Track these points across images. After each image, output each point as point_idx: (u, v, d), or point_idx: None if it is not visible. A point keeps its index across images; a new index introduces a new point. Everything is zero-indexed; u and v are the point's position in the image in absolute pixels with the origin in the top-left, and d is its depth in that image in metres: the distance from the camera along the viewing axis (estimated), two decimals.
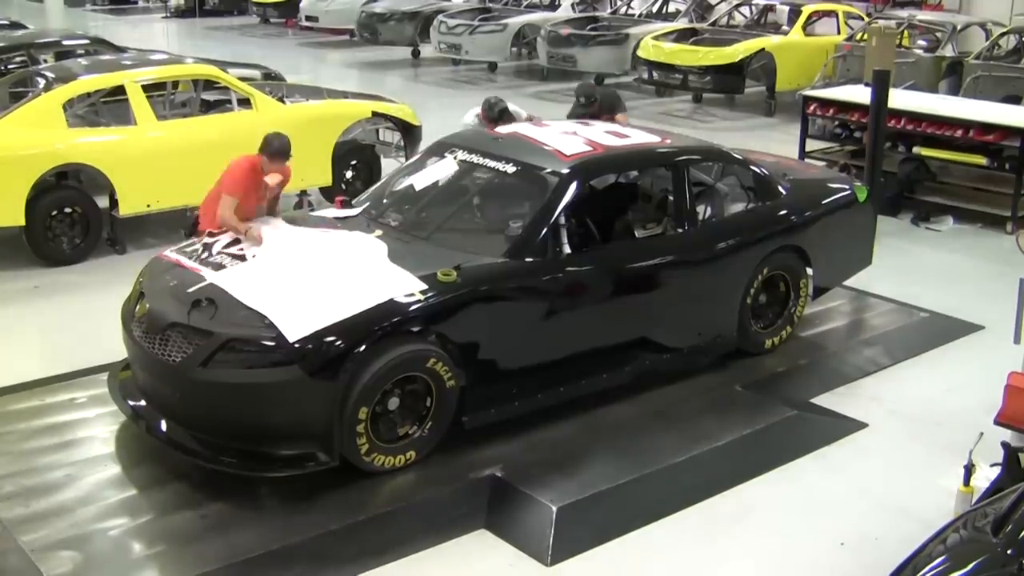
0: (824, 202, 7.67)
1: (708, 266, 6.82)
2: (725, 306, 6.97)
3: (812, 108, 11.92)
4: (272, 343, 5.43)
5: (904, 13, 17.23)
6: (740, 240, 6.97)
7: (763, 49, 16.27)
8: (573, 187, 6.36)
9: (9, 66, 11.83)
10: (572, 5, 20.89)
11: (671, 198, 6.96)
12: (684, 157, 7.07)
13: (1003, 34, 15.43)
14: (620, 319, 6.48)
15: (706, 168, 7.34)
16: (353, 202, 7.11)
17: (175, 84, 10.71)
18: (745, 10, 18.75)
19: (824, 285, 7.76)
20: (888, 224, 9.98)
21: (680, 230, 6.85)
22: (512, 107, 8.42)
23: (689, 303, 6.76)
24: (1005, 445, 5.16)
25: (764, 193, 7.32)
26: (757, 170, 7.38)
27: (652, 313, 6.65)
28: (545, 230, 6.18)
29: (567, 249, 6.19)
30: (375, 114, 10.76)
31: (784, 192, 7.42)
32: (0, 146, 8.80)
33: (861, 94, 11.97)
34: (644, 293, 6.61)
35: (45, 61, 11.68)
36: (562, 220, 6.23)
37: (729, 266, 6.93)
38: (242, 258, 6.17)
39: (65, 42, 12.57)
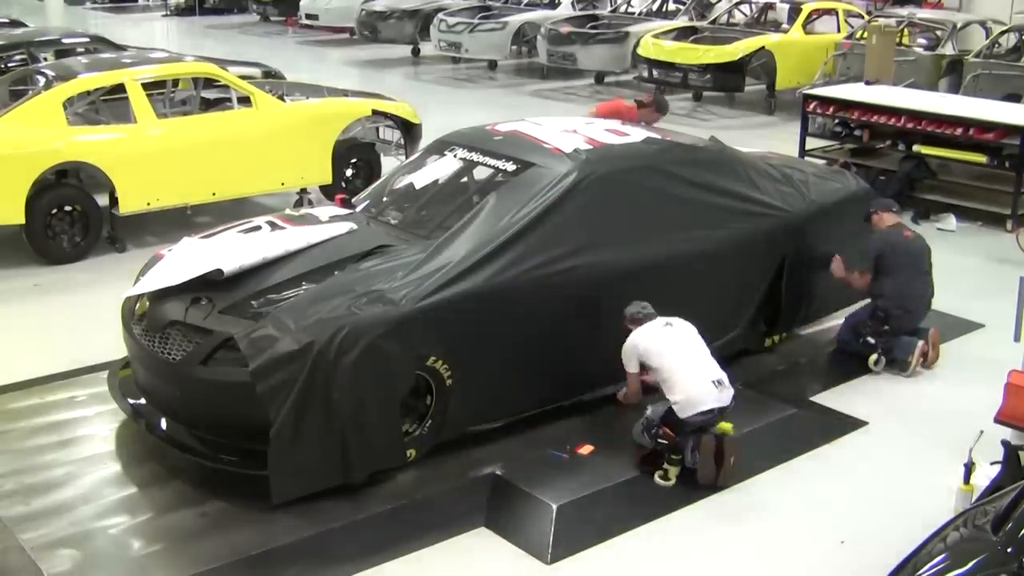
0: None
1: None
2: None
3: (812, 106, 11.92)
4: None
5: (904, 11, 17.22)
6: None
7: (763, 47, 16.25)
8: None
9: (9, 64, 11.82)
10: (572, 3, 20.86)
11: None
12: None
13: (1003, 32, 15.42)
14: None
15: None
16: (353, 200, 7.11)
17: (175, 82, 10.72)
18: (745, 8, 18.75)
19: None
20: None
21: None
22: None
23: None
24: (1005, 443, 5.17)
25: None
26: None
27: None
28: None
29: None
30: (375, 112, 10.76)
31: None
32: (0, 144, 8.81)
33: (861, 92, 12.01)
34: None
35: (45, 59, 11.68)
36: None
37: None
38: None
39: (65, 40, 12.56)
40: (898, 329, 7.19)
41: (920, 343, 7.16)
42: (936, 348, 7.30)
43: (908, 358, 7.13)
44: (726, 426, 5.80)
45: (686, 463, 5.77)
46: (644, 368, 5.98)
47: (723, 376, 5.87)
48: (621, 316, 6.05)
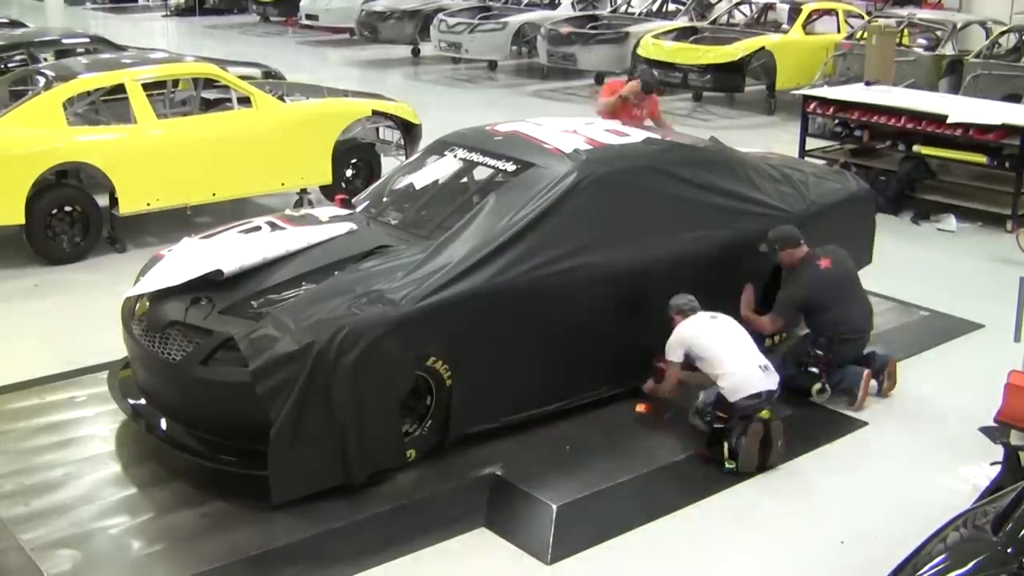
0: None
1: None
2: None
3: (812, 106, 11.92)
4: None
5: (904, 11, 17.22)
6: None
7: (763, 47, 16.26)
8: None
9: (9, 64, 11.83)
10: (572, 3, 20.87)
11: None
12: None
13: (1003, 32, 15.43)
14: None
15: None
16: (353, 201, 7.11)
17: (175, 83, 10.73)
18: (745, 8, 18.76)
19: None
20: (888, 222, 9.97)
21: None
22: None
23: None
24: (1005, 443, 5.17)
25: None
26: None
27: None
28: None
29: None
30: (375, 112, 10.76)
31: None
32: (0, 144, 8.81)
33: (861, 93, 12.01)
34: None
35: (45, 59, 11.68)
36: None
37: None
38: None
39: (65, 40, 12.57)
40: (840, 358, 6.70)
41: (866, 372, 6.68)
42: (893, 378, 6.85)
43: (856, 389, 6.67)
44: (765, 413, 5.93)
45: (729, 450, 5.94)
46: (688, 361, 6.15)
47: (768, 363, 6.13)
48: (665, 307, 6.25)
